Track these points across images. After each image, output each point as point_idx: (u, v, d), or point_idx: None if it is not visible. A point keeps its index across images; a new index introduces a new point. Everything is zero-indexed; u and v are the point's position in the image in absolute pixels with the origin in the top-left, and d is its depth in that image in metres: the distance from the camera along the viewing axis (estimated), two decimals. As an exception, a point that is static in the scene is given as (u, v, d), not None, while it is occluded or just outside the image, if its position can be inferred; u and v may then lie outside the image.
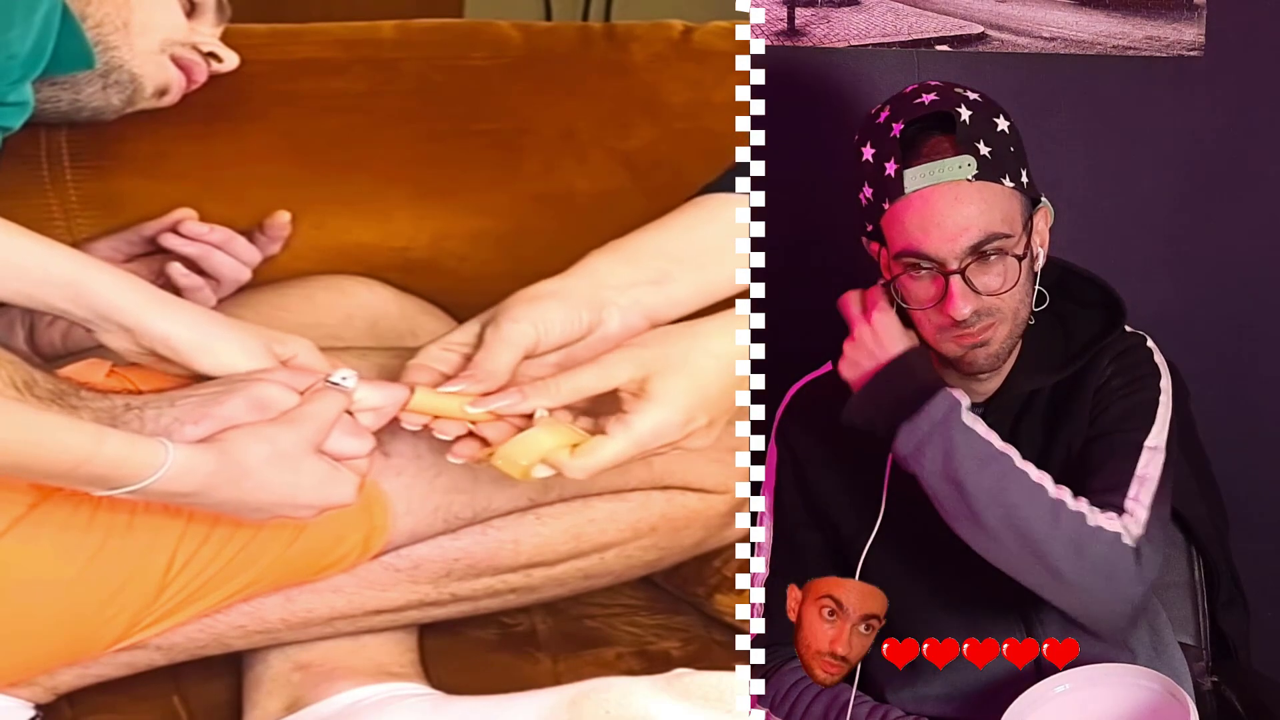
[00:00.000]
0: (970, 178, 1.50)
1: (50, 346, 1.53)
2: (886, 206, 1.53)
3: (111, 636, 1.33)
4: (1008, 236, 1.52)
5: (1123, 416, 1.61)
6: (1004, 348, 1.58)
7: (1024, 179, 1.55)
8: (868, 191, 1.56)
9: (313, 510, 1.30)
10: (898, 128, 1.52)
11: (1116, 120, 1.91)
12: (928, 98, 1.53)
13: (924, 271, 1.53)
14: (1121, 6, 2.08)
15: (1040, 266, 1.59)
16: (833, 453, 1.67)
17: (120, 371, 1.35)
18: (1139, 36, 2.08)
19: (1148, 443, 1.59)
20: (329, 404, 1.28)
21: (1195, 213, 2.13)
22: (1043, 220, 1.59)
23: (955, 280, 1.51)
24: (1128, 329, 1.66)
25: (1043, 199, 1.59)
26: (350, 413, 1.29)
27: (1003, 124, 1.54)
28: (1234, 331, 2.14)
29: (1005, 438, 1.57)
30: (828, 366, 1.68)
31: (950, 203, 1.50)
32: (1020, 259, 1.53)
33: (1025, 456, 1.55)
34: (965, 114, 1.52)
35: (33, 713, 1.36)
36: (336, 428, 1.28)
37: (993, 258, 1.52)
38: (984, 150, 1.51)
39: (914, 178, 1.51)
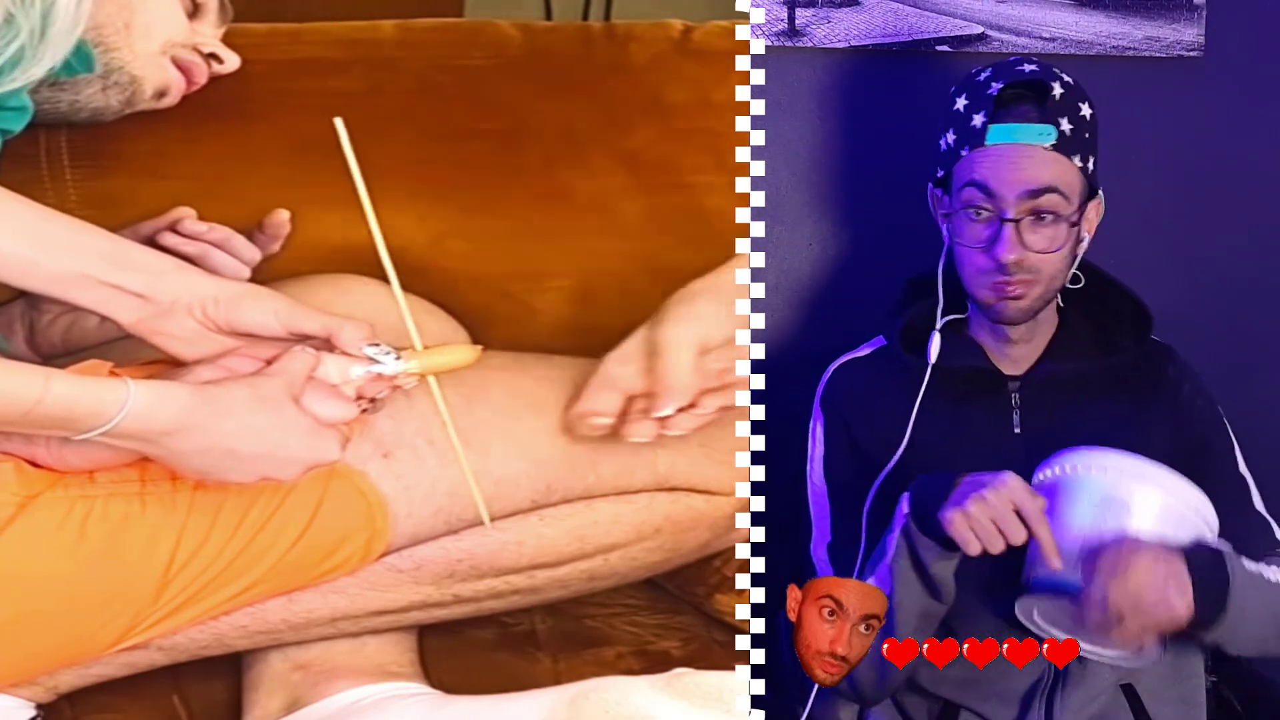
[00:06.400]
0: (1047, 145, 1.63)
1: (50, 346, 1.53)
2: (965, 154, 1.65)
3: (111, 638, 1.33)
4: (1064, 198, 1.64)
5: (1224, 452, 1.73)
6: (1033, 306, 1.67)
7: (1090, 165, 1.67)
8: (950, 138, 1.68)
9: (299, 465, 1.27)
10: (996, 86, 1.64)
11: (1116, 121, 1.90)
12: (1028, 67, 1.67)
13: (983, 214, 1.64)
14: (1121, 7, 2.07)
15: (1083, 250, 1.71)
16: (874, 420, 1.74)
17: (120, 372, 1.35)
18: (1138, 37, 2.08)
19: (1244, 472, 1.74)
20: (297, 361, 1.27)
21: (1195, 213, 2.13)
22: (1095, 210, 1.71)
23: (1009, 227, 1.63)
24: (1156, 340, 1.76)
25: (1099, 194, 1.71)
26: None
27: (1085, 110, 1.67)
28: (1234, 332, 2.13)
29: (1042, 410, 1.70)
30: (863, 349, 1.79)
31: (1023, 158, 1.63)
32: (1071, 225, 1.65)
33: (1071, 432, 1.65)
34: (1058, 90, 1.65)
35: (33, 712, 1.36)
36: (317, 391, 1.27)
37: (1046, 219, 1.63)
38: (1065, 126, 1.64)
39: (997, 132, 1.64)
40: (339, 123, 1.29)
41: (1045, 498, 1.52)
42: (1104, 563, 1.49)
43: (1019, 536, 1.49)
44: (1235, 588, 1.53)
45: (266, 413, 1.25)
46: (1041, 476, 1.58)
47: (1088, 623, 1.50)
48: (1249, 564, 1.58)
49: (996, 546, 1.49)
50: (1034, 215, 1.63)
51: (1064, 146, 1.63)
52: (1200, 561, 1.52)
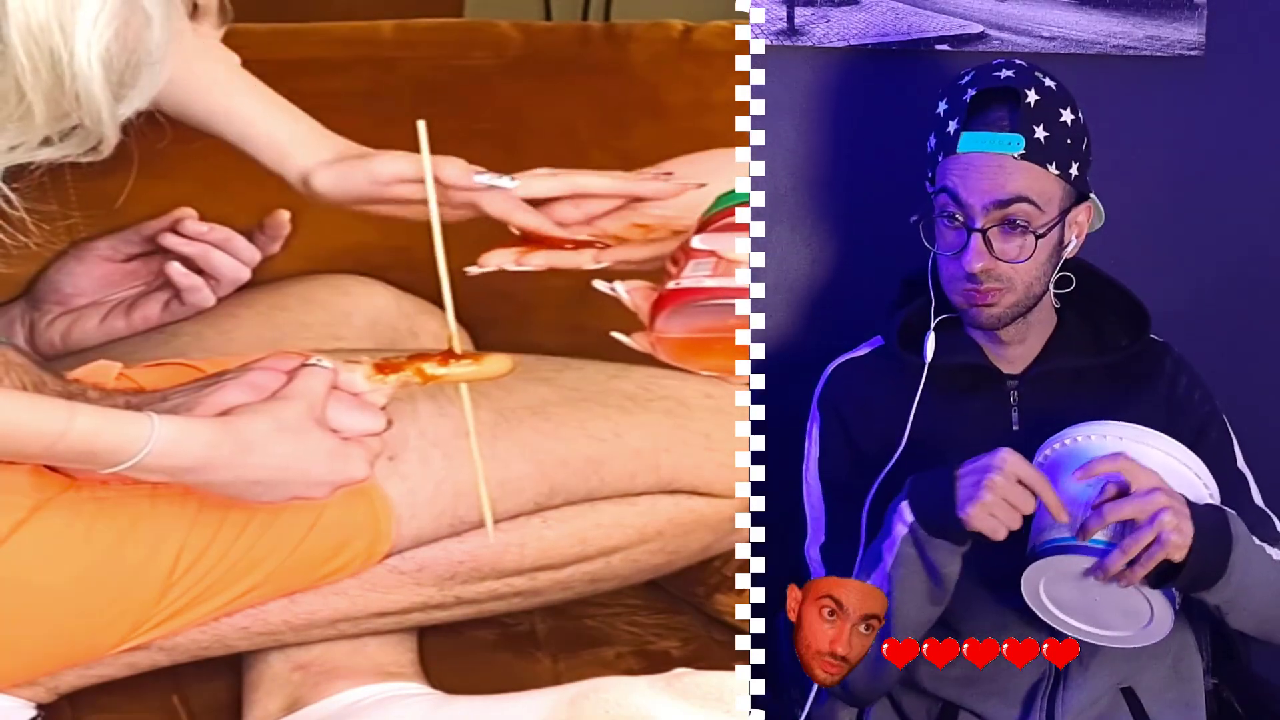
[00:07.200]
0: (1016, 155, 1.62)
1: (50, 346, 1.53)
2: (941, 159, 1.66)
3: (115, 639, 1.33)
4: (1036, 208, 1.63)
5: (1222, 446, 1.73)
6: (1007, 313, 1.67)
7: (1073, 171, 1.65)
8: (932, 141, 1.69)
9: (327, 487, 1.29)
10: (971, 92, 1.64)
11: (1116, 120, 1.90)
12: (1004, 73, 1.65)
13: (955, 221, 1.64)
14: (1121, 6, 2.07)
15: (1070, 254, 1.70)
16: (873, 418, 1.75)
17: (129, 374, 1.35)
18: (1139, 36, 2.08)
19: (1243, 468, 1.74)
20: (315, 379, 1.27)
21: (1195, 213, 2.13)
22: (1084, 214, 1.70)
23: (975, 237, 1.63)
24: (1154, 337, 1.76)
25: (1091, 197, 1.70)
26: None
27: (1068, 116, 1.65)
28: (1234, 332, 2.13)
29: (1040, 406, 1.70)
30: (862, 349, 1.79)
31: (992, 168, 1.63)
32: (1040, 237, 1.63)
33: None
34: (1032, 97, 1.63)
35: (34, 712, 1.36)
36: (343, 404, 1.28)
37: (1016, 228, 1.63)
38: (1040, 134, 1.63)
39: (968, 140, 1.63)
40: (421, 126, 1.33)
41: (1049, 471, 1.55)
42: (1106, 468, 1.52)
43: (1029, 505, 1.52)
44: (1239, 549, 1.54)
45: (290, 442, 1.25)
46: (1047, 453, 1.59)
47: (1098, 569, 1.50)
48: (1255, 539, 1.59)
49: (1017, 524, 1.52)
50: (1004, 224, 1.63)
51: (1035, 155, 1.62)
52: (1205, 513, 1.53)
